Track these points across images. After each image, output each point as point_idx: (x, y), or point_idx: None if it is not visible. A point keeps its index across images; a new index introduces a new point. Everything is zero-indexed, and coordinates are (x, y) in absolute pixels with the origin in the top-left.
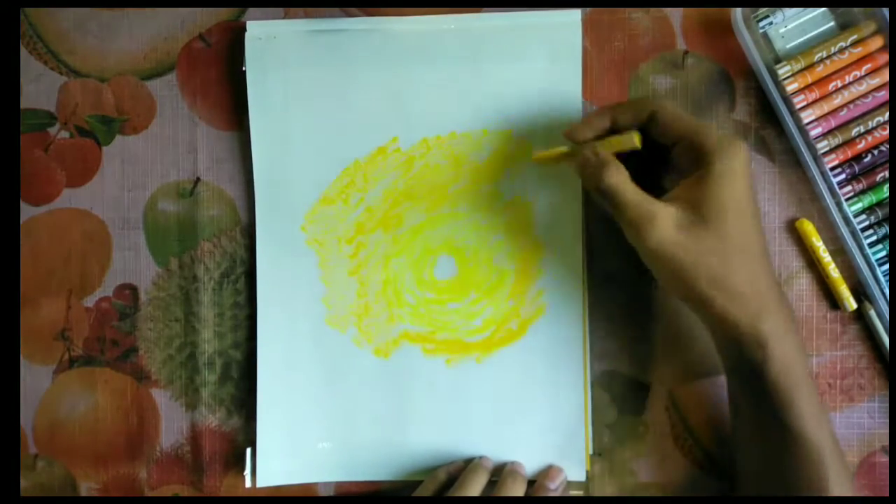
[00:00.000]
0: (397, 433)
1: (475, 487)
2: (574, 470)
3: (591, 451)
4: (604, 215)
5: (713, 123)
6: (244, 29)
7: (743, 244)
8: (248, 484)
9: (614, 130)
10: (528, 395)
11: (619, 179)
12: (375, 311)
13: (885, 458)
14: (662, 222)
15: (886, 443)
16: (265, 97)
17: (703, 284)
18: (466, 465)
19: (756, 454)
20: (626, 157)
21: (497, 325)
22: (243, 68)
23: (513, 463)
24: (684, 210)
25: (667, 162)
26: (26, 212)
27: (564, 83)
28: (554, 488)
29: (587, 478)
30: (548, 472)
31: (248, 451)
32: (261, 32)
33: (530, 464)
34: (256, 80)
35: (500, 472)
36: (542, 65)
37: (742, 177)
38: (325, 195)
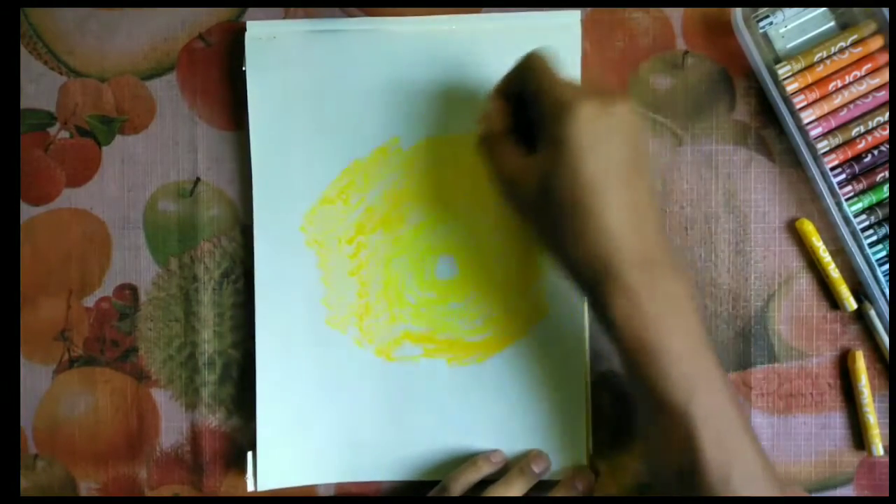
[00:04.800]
0: (399, 433)
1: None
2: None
3: (590, 452)
4: None
5: (570, 83)
6: (244, 29)
7: (577, 213)
8: (249, 487)
9: (519, 101)
10: (529, 394)
11: (493, 131)
12: (376, 312)
13: (885, 459)
14: (515, 179)
15: (887, 442)
16: (265, 97)
17: (549, 248)
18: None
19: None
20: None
21: (498, 326)
22: (243, 68)
23: (528, 455)
24: (536, 169)
25: None
26: (26, 212)
27: None
28: (538, 472)
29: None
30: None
31: (249, 454)
32: (261, 32)
33: None
34: (256, 80)
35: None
36: None
37: (574, 141)
38: (324, 195)
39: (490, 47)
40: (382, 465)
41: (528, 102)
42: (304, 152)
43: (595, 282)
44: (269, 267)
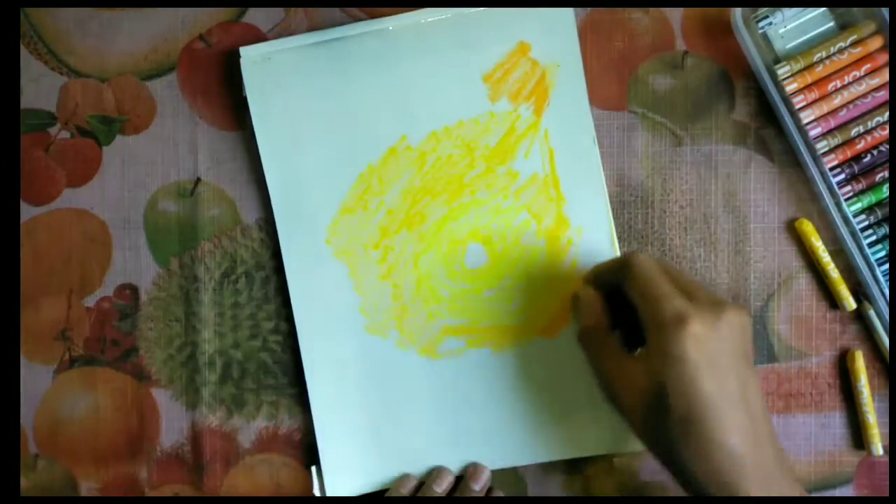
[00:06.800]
0: (456, 428)
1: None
2: (637, 441)
3: None
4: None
5: (673, 294)
6: (238, 55)
7: (694, 431)
8: None
9: (617, 295)
10: (580, 367)
11: (591, 326)
12: (414, 312)
13: (885, 458)
14: (620, 384)
15: (886, 442)
16: (270, 119)
17: (658, 456)
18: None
19: None
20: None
21: (537, 305)
22: (244, 94)
23: (466, 473)
24: (644, 379)
25: None
26: (26, 212)
27: (562, 55)
28: (478, 489)
29: None
30: (472, 472)
31: (314, 469)
32: (255, 55)
33: (589, 438)
34: (259, 104)
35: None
36: (539, 39)
37: (684, 362)
38: (344, 205)
39: (485, 29)
40: (447, 462)
41: (628, 301)
42: (317, 166)
43: (710, 493)
44: (303, 287)
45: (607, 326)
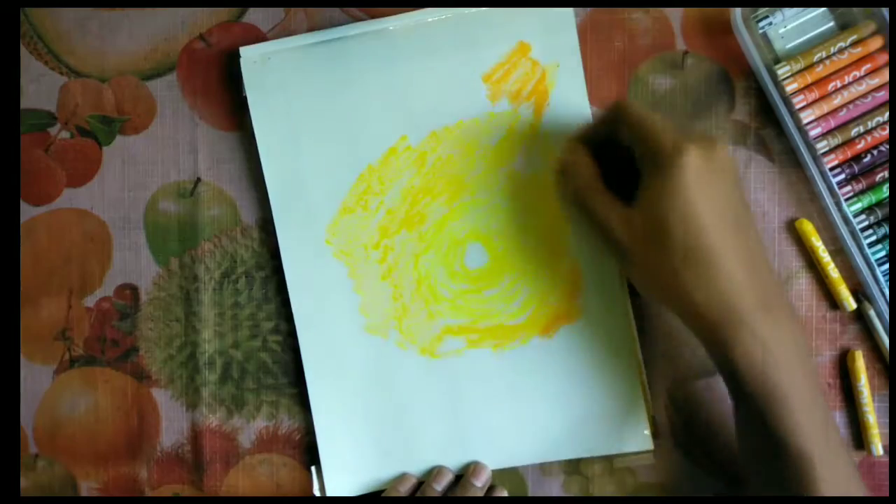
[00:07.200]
0: (457, 429)
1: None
2: (638, 440)
3: (653, 420)
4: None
5: (669, 128)
6: (242, 38)
7: (696, 258)
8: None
9: (604, 149)
10: (581, 368)
11: (585, 184)
12: (414, 312)
13: (885, 458)
14: (619, 230)
15: (886, 442)
16: (270, 119)
17: (662, 295)
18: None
19: (746, 457)
20: (609, 158)
21: (537, 304)
22: (244, 94)
23: (467, 470)
24: (642, 218)
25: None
26: (26, 212)
27: (562, 55)
28: (479, 486)
29: (654, 445)
30: (474, 470)
31: (313, 469)
32: (254, 55)
33: (589, 438)
34: (259, 104)
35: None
36: (539, 39)
37: (683, 188)
38: (344, 205)
39: (485, 30)
40: (447, 462)
41: (617, 150)
42: (317, 166)
43: (717, 326)
44: (302, 286)
45: (598, 181)
